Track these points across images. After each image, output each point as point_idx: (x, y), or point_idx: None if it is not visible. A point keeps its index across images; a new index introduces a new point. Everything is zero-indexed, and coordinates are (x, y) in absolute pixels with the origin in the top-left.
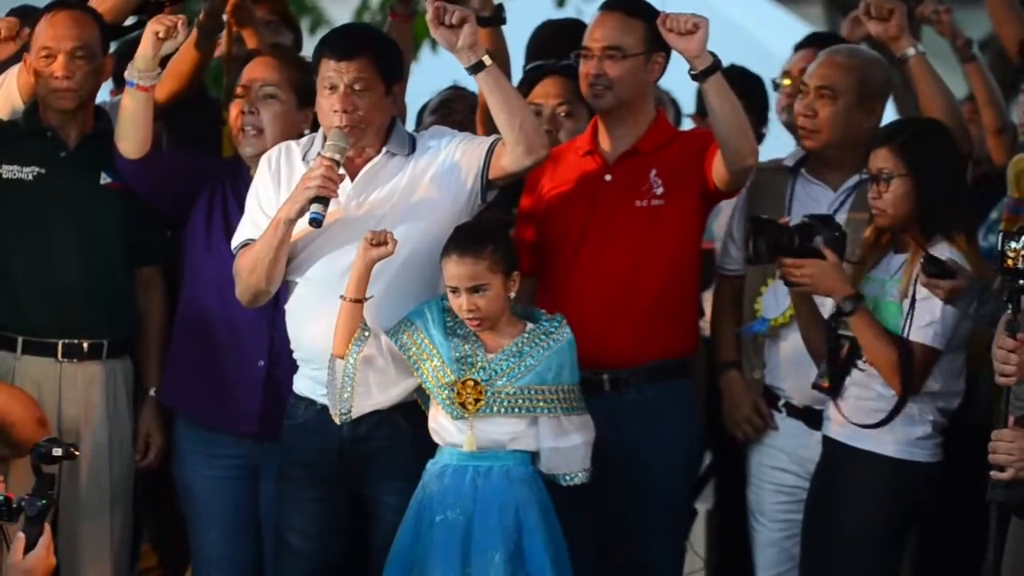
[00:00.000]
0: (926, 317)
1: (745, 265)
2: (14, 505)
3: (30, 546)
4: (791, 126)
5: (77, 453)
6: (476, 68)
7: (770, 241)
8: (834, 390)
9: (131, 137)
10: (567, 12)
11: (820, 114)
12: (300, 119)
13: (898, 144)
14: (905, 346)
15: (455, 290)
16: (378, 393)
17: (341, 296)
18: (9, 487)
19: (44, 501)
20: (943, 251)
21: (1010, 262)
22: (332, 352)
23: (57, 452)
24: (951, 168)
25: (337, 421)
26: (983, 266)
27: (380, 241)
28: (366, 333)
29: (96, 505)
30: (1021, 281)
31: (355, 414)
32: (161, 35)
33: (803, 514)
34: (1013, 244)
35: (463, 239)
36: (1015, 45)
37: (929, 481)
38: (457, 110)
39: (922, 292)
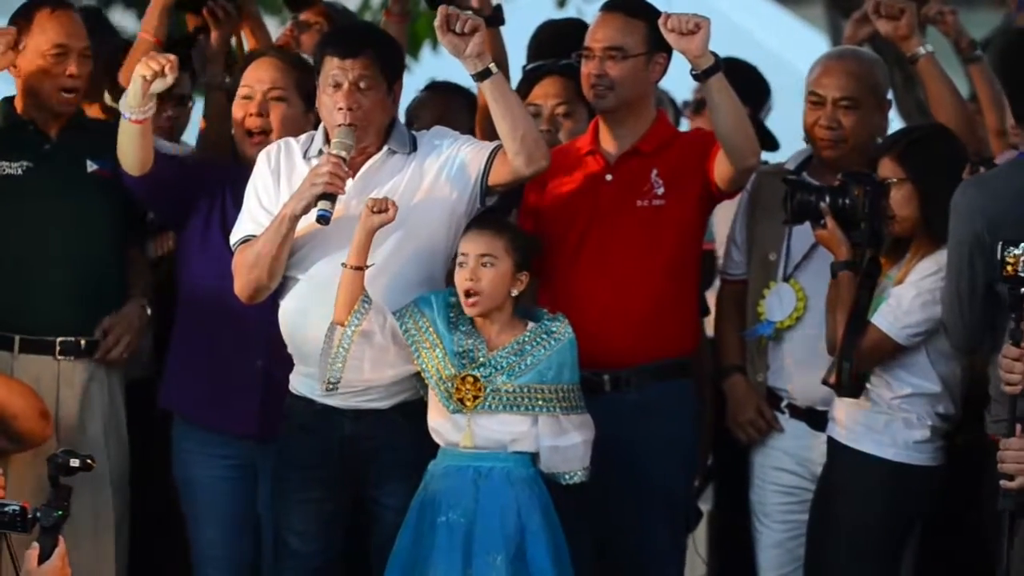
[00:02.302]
0: (893, 304)
1: (748, 269)
2: (29, 516)
3: (44, 557)
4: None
5: (94, 464)
6: (482, 76)
7: (800, 201)
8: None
9: (129, 160)
10: (568, 12)
11: (845, 124)
12: (306, 122)
13: (897, 152)
14: (860, 322)
15: (463, 262)
16: (370, 370)
17: (342, 264)
18: (8, 482)
19: (60, 512)
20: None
21: (1010, 269)
22: (333, 319)
23: (75, 463)
24: (952, 171)
25: (321, 389)
26: None
27: (381, 208)
28: (367, 304)
29: (95, 501)
30: (1023, 289)
31: (342, 387)
32: (148, 78)
33: (809, 516)
34: (1013, 250)
35: (488, 217)
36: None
37: (929, 484)
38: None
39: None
